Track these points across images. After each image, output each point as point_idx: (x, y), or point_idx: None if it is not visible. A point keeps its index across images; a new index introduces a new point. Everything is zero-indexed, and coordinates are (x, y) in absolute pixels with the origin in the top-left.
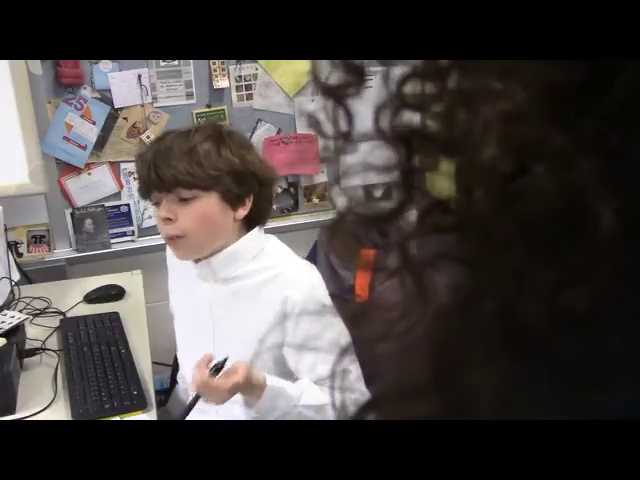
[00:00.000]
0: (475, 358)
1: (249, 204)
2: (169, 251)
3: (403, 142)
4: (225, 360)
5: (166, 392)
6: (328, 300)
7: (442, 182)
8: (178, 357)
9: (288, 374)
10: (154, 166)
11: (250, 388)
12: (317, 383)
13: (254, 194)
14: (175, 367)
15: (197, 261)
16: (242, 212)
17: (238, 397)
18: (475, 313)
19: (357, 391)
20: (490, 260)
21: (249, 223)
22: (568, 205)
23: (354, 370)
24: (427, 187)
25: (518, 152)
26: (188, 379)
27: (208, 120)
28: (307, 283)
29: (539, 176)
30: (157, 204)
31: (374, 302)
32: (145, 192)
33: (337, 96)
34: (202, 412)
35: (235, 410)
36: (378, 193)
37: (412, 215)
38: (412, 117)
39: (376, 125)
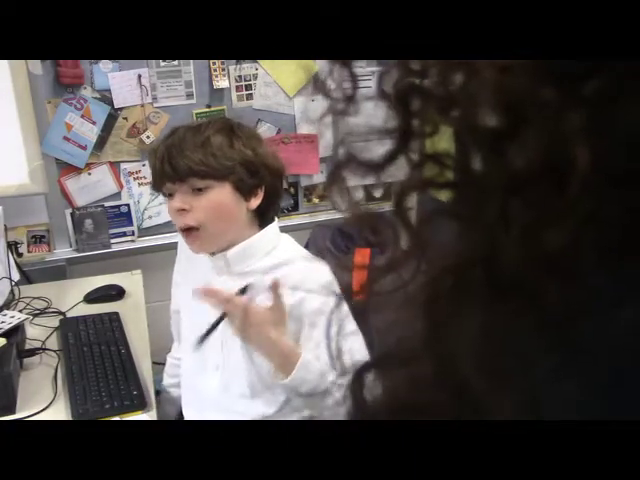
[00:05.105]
0: (463, 310)
1: (261, 194)
2: (182, 245)
3: (402, 101)
4: (247, 286)
5: (157, 394)
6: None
7: (442, 143)
8: (181, 352)
9: None
10: (168, 157)
11: (281, 347)
12: None
13: (265, 185)
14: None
15: (212, 254)
16: (255, 202)
17: (259, 392)
18: (467, 266)
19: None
20: (482, 214)
21: (260, 217)
22: (550, 156)
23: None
24: (425, 147)
25: (510, 107)
26: (187, 374)
27: (218, 115)
28: (323, 280)
29: (528, 130)
30: (170, 196)
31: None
32: (158, 184)
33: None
34: (225, 411)
35: (253, 409)
36: (378, 194)
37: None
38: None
39: (379, 87)
